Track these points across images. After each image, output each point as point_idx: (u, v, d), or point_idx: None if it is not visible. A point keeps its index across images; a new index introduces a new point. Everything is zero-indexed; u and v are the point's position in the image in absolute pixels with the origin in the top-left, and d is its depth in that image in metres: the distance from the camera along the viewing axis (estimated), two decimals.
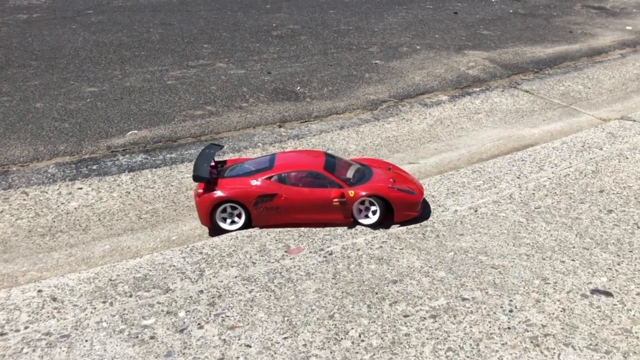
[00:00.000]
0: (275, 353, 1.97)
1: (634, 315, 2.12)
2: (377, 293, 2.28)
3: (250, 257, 2.54)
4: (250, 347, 2.00)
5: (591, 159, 3.53)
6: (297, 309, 2.20)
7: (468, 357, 1.91)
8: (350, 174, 2.81)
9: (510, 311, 2.14)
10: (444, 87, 4.88)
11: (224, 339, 2.03)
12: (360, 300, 2.24)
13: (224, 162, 2.99)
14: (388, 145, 3.86)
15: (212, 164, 2.89)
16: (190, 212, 3.03)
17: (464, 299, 2.22)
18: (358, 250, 2.59)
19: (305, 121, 4.16)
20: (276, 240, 2.67)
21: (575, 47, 6.19)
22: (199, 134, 3.88)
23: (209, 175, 2.73)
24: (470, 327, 2.06)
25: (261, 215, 2.74)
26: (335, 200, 2.69)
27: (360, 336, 2.04)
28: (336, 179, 2.73)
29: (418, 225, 2.80)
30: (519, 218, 2.85)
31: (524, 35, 6.56)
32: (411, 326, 2.08)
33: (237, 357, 1.95)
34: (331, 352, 1.96)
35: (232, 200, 2.71)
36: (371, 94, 4.67)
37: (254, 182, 2.71)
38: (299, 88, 4.73)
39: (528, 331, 2.03)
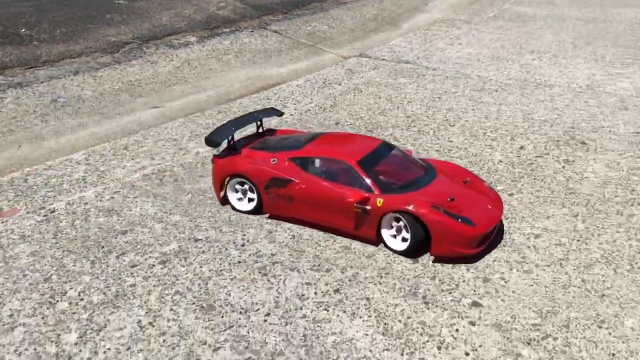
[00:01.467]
0: None
1: None
2: (103, 247, 2.10)
3: None
4: None
5: (330, 94, 3.71)
6: (5, 277, 1.92)
7: (195, 297, 1.87)
8: (398, 176, 2.16)
9: (242, 245, 2.14)
10: (192, 28, 4.69)
11: None
12: (84, 257, 2.04)
13: (274, 131, 2.52)
14: (130, 89, 3.59)
15: (261, 130, 2.48)
16: None
17: (196, 240, 2.16)
18: (86, 204, 2.36)
19: (32, 67, 3.66)
20: None
21: None
22: None
23: (228, 141, 2.34)
24: (201, 267, 2.01)
25: (272, 202, 2.24)
26: (357, 205, 2.07)
27: (79, 295, 1.86)
28: (369, 179, 2.08)
29: (155, 171, 2.66)
30: None
31: None
32: (138, 276, 1.96)
33: None
34: (43, 318, 1.75)
35: (242, 176, 2.24)
36: (112, 36, 4.28)
37: (273, 161, 2.21)
38: (24, 30, 4.12)
39: (257, 262, 2.05)
